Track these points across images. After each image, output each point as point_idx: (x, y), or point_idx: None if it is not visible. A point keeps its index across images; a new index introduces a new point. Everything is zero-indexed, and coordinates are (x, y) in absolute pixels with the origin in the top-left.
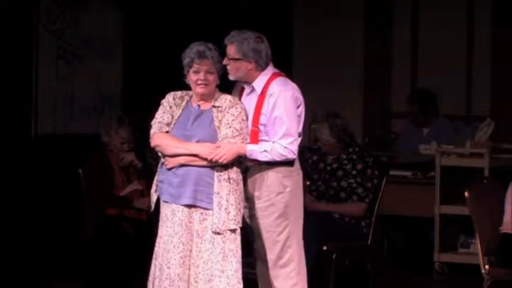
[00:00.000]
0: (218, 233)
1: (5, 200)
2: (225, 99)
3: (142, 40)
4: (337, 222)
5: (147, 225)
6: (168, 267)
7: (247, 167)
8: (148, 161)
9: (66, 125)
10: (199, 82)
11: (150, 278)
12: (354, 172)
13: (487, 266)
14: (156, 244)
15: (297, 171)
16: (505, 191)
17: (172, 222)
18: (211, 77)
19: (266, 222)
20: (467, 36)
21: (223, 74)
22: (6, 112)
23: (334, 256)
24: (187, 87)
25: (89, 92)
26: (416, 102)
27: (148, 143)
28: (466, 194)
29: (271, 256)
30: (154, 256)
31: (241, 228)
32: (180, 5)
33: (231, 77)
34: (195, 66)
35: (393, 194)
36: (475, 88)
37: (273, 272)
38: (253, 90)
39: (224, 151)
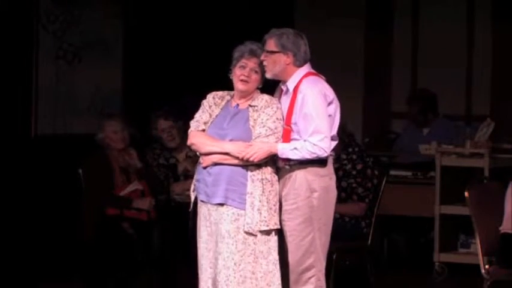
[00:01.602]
0: (251, 234)
1: (5, 200)
2: (261, 99)
3: (142, 40)
4: (337, 222)
5: (147, 225)
6: (210, 267)
7: (278, 168)
8: (149, 161)
9: (66, 125)
10: (241, 78)
11: (200, 281)
12: (354, 172)
13: (487, 266)
14: (198, 245)
15: (329, 176)
16: (505, 191)
17: (210, 222)
18: (254, 76)
19: (290, 225)
20: (468, 36)
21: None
22: (6, 112)
23: (334, 256)
24: (189, 86)
25: (89, 92)
26: (416, 102)
27: (148, 143)
28: (466, 194)
29: (292, 260)
30: (198, 258)
31: (276, 230)
32: (181, 5)
33: (268, 74)
34: (243, 62)
35: (393, 194)
36: (475, 88)
37: (292, 276)
38: (287, 89)
39: (255, 149)
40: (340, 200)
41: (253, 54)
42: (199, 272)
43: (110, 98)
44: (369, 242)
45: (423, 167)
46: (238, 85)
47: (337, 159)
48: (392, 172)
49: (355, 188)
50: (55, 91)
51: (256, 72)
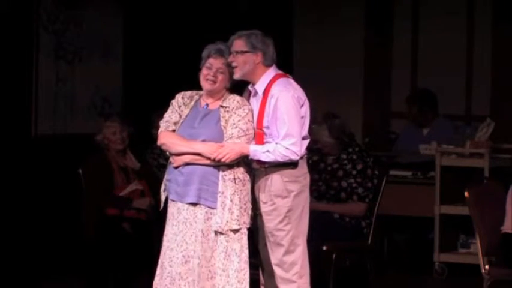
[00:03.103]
0: (221, 233)
1: (5, 200)
2: (233, 100)
3: (142, 40)
4: (337, 222)
5: (147, 225)
6: (170, 266)
7: (254, 170)
8: (149, 161)
9: (66, 125)
10: (207, 77)
11: (155, 277)
12: (354, 172)
13: (487, 266)
14: (163, 243)
15: (303, 176)
16: (505, 191)
17: (177, 221)
18: (220, 76)
19: (270, 226)
20: (467, 37)
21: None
22: (6, 112)
23: (334, 256)
24: (186, 87)
25: (89, 92)
26: (415, 102)
27: (148, 143)
28: (466, 194)
29: (274, 259)
30: (160, 254)
31: (249, 229)
32: (180, 5)
33: (237, 75)
34: (209, 62)
35: (393, 194)
36: (475, 88)
37: (276, 275)
38: (256, 92)
39: (227, 150)
40: (340, 200)
41: (220, 54)
42: (158, 268)
43: (110, 98)
44: (369, 242)
45: (423, 167)
46: (205, 84)
47: (337, 159)
48: (392, 172)
49: (355, 188)
50: (55, 91)
51: (222, 73)
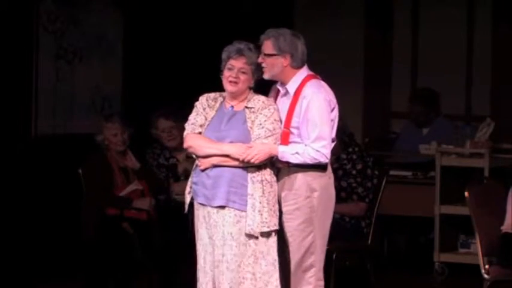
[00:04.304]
0: (252, 235)
1: (5, 200)
2: (258, 100)
3: (142, 40)
4: (337, 222)
5: (147, 225)
6: (211, 270)
7: (277, 169)
8: (149, 160)
9: (66, 125)
10: (230, 79)
11: (200, 285)
12: (354, 172)
13: (487, 266)
14: (197, 247)
15: (328, 175)
16: (505, 191)
17: (209, 224)
18: (243, 77)
19: (291, 225)
20: (467, 36)
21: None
22: (6, 112)
23: (334, 256)
24: (186, 87)
25: (89, 92)
26: (419, 101)
27: (148, 143)
28: (466, 194)
29: (293, 260)
30: (198, 260)
31: (276, 231)
32: (181, 5)
33: (266, 76)
34: (230, 63)
35: (393, 194)
36: (475, 88)
37: (293, 277)
38: (287, 92)
39: (256, 151)
40: (340, 200)
41: (240, 54)
42: (199, 274)
43: (110, 98)
44: (369, 242)
45: (423, 167)
46: (228, 87)
47: (337, 159)
48: (392, 172)
49: (355, 187)
50: (55, 91)
51: (244, 72)
